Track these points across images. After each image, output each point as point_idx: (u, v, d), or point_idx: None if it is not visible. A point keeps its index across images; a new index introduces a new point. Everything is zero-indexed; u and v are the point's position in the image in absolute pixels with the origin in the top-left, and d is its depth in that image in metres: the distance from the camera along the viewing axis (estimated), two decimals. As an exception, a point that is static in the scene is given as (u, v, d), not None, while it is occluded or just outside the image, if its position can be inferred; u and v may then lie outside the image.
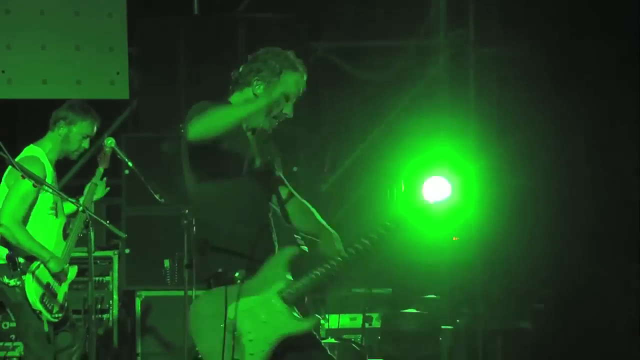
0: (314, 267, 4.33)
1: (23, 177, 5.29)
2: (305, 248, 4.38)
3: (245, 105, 4.22)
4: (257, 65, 4.36)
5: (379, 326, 7.68)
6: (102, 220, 5.43)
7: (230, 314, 4.26)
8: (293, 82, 4.32)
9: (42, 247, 5.68)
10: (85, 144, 5.91)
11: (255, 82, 4.35)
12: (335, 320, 7.82)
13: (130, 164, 6.06)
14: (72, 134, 5.84)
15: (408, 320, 7.44)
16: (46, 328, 5.65)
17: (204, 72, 7.95)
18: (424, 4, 8.35)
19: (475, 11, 7.88)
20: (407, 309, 7.58)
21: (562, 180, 7.48)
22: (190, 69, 8.25)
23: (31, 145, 5.80)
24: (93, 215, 5.09)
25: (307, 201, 4.65)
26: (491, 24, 7.85)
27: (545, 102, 7.50)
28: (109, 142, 5.96)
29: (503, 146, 7.61)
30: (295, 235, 4.44)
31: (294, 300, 4.32)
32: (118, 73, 8.38)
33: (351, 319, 7.91)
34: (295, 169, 7.43)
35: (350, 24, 8.66)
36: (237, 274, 4.21)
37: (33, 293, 5.64)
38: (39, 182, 5.17)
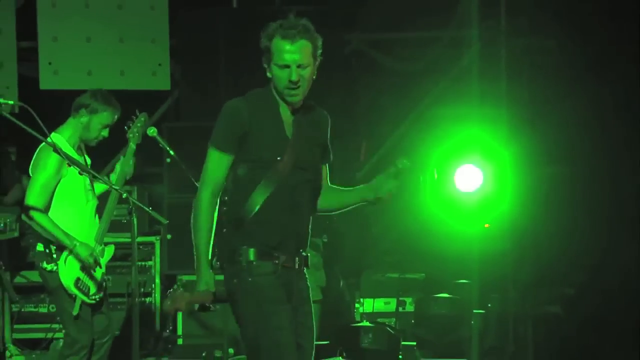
0: None
1: (69, 165, 5.50)
2: None
3: (198, 253, 4.38)
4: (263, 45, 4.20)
5: (412, 310, 7.79)
6: (144, 207, 5.62)
7: None
8: (278, 48, 4.11)
9: (66, 234, 5.62)
10: (105, 132, 5.85)
11: (265, 65, 4.23)
12: (369, 304, 7.93)
13: (172, 152, 6.25)
14: (93, 123, 5.77)
15: (440, 304, 7.52)
16: (76, 310, 5.65)
17: (242, 63, 8.09)
18: (456, -4, 8.43)
19: (507, 2, 7.87)
20: (439, 293, 7.67)
21: (597, 167, 7.40)
22: (229, 60, 8.38)
23: (52, 134, 5.65)
24: (136, 202, 5.25)
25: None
26: (523, 14, 7.84)
27: (580, 88, 7.40)
28: (151, 131, 6.07)
29: (536, 134, 7.57)
30: None
31: None
32: (160, 64, 8.49)
33: (385, 303, 8.00)
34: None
35: (384, 16, 8.73)
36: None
37: (67, 278, 5.66)
38: (82, 169, 5.35)
